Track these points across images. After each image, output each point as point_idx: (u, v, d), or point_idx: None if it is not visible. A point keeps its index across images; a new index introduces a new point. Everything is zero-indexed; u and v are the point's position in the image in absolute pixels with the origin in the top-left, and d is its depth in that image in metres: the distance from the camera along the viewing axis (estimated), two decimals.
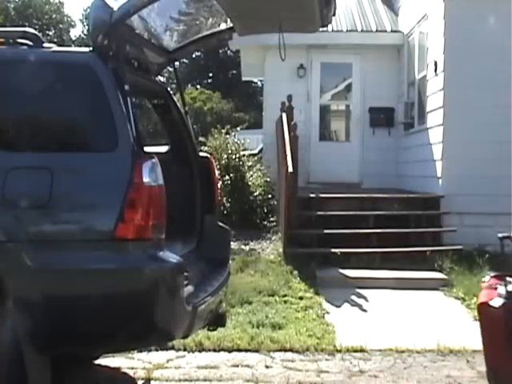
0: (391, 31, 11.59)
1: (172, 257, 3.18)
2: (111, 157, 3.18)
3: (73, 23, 41.41)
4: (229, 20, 4.11)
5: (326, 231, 8.19)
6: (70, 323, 3.14)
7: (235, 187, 10.27)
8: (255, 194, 10.38)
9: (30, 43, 3.48)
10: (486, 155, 8.38)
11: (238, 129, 13.38)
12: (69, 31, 41.22)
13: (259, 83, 31.37)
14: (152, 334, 3.18)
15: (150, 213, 3.10)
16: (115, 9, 3.28)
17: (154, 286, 3.12)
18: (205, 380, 4.31)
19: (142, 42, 4.01)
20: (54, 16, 39.71)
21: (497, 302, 3.18)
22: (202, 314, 3.44)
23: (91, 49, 3.41)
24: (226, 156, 10.55)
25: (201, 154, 4.58)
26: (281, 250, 8.31)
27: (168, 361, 4.63)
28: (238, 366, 4.56)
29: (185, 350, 4.82)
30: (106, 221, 3.10)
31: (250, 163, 11.04)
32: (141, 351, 4.61)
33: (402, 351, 4.86)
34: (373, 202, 8.84)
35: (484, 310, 3.21)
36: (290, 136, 8.65)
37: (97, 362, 4.49)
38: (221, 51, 37.87)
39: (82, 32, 41.11)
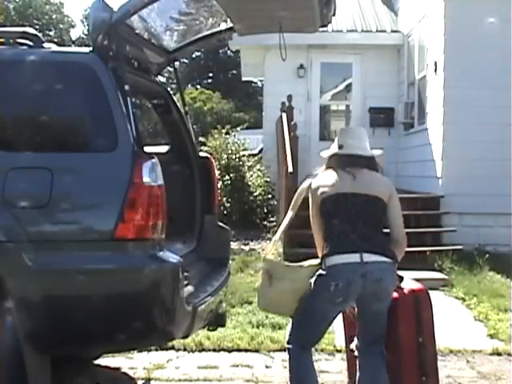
0: (391, 31, 11.59)
1: (172, 257, 3.18)
2: (111, 157, 3.18)
3: (73, 23, 41.49)
4: (229, 20, 4.11)
5: None
6: (70, 323, 3.14)
7: (235, 187, 10.28)
8: (255, 194, 10.39)
9: (30, 43, 3.48)
10: (486, 155, 8.38)
11: (238, 129, 13.39)
12: (69, 31, 41.25)
13: (259, 83, 31.35)
14: (152, 333, 3.18)
15: (150, 213, 3.10)
16: (115, 9, 3.28)
17: (154, 286, 3.12)
18: (205, 380, 4.31)
19: (142, 42, 4.01)
20: (54, 16, 39.73)
21: None
22: (201, 314, 3.44)
23: (91, 49, 3.41)
24: (226, 156, 10.56)
25: (201, 154, 4.58)
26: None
27: (168, 361, 4.64)
28: (238, 366, 4.56)
29: (185, 350, 4.82)
30: (106, 221, 3.10)
31: (250, 163, 11.04)
32: (141, 351, 4.61)
33: None
34: None
35: None
36: (290, 136, 8.65)
37: (97, 362, 4.49)
38: (221, 51, 37.88)
39: (83, 32, 41.15)
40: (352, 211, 3.24)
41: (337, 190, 3.26)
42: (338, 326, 5.45)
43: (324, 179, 3.36)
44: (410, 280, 3.72)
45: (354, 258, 3.14)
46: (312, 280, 3.21)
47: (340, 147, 3.41)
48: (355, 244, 3.17)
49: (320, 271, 3.20)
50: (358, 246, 3.17)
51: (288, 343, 3.34)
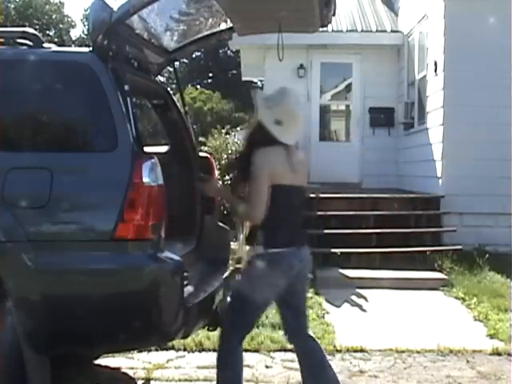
0: (391, 31, 11.58)
1: (172, 257, 3.18)
2: (111, 157, 3.18)
3: (73, 23, 41.43)
4: (229, 20, 4.11)
5: (326, 231, 8.19)
6: (70, 323, 3.14)
7: None
8: None
9: (30, 43, 3.47)
10: (486, 155, 8.38)
11: (238, 129, 13.38)
12: (69, 31, 41.22)
13: (259, 83, 31.34)
14: (152, 334, 3.18)
15: (150, 213, 3.10)
16: (115, 9, 3.28)
17: (153, 286, 3.12)
18: (205, 380, 4.31)
19: (142, 42, 4.01)
20: (54, 16, 39.68)
21: None
22: (201, 313, 3.44)
23: (91, 49, 3.40)
24: (225, 156, 10.56)
25: (201, 154, 4.58)
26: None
27: (168, 361, 4.64)
28: None
29: (185, 350, 4.82)
30: (106, 221, 3.10)
31: None
32: (141, 351, 4.60)
33: (402, 351, 4.86)
34: (373, 202, 8.84)
35: None
36: None
37: (97, 362, 4.49)
38: (221, 51, 37.88)
39: (82, 32, 41.13)
40: (294, 205, 3.32)
41: (287, 181, 3.24)
42: (338, 326, 5.47)
43: (276, 161, 3.22)
44: None
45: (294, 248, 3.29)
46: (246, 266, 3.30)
47: (278, 123, 3.22)
48: (294, 238, 3.30)
49: (259, 256, 3.23)
50: (296, 239, 3.31)
51: (226, 337, 3.34)
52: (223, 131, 11.34)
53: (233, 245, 3.36)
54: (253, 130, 3.36)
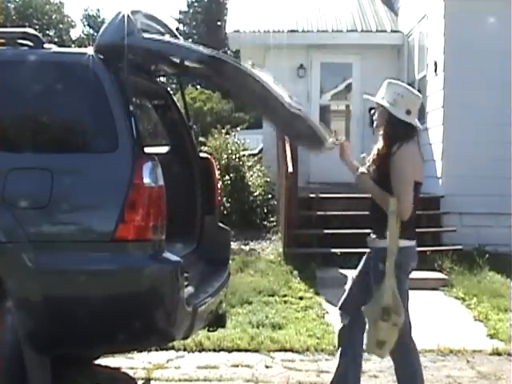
0: (391, 31, 11.58)
1: (172, 257, 3.18)
2: (111, 157, 3.18)
3: (73, 23, 41.42)
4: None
5: (325, 231, 8.19)
6: (70, 324, 3.14)
7: (235, 187, 10.26)
8: (255, 194, 10.38)
9: (31, 44, 3.47)
10: (486, 155, 8.37)
11: (238, 129, 13.36)
12: (69, 31, 41.21)
13: None
14: (152, 334, 3.18)
15: (151, 213, 3.10)
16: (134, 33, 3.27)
17: (154, 286, 3.13)
18: (205, 380, 4.31)
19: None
20: (54, 16, 39.66)
21: None
22: (202, 314, 3.44)
23: (92, 49, 3.40)
24: (226, 156, 10.55)
25: (201, 154, 4.58)
26: (281, 249, 8.31)
27: (168, 361, 4.64)
28: (237, 366, 4.56)
29: (185, 350, 4.82)
30: (107, 221, 3.11)
31: (249, 163, 11.03)
32: (141, 351, 4.60)
33: None
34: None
35: None
36: None
37: (97, 362, 4.49)
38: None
39: (82, 32, 41.17)
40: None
41: (420, 177, 3.42)
42: (338, 326, 5.45)
43: (418, 156, 3.42)
44: None
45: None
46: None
47: (408, 112, 3.41)
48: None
49: (404, 248, 3.33)
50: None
51: (405, 341, 3.38)
52: (223, 131, 11.32)
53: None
54: (390, 126, 3.52)
